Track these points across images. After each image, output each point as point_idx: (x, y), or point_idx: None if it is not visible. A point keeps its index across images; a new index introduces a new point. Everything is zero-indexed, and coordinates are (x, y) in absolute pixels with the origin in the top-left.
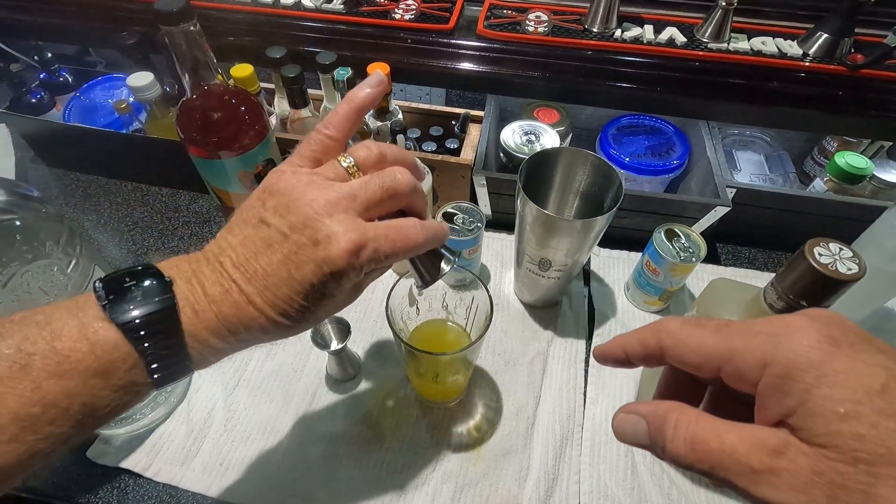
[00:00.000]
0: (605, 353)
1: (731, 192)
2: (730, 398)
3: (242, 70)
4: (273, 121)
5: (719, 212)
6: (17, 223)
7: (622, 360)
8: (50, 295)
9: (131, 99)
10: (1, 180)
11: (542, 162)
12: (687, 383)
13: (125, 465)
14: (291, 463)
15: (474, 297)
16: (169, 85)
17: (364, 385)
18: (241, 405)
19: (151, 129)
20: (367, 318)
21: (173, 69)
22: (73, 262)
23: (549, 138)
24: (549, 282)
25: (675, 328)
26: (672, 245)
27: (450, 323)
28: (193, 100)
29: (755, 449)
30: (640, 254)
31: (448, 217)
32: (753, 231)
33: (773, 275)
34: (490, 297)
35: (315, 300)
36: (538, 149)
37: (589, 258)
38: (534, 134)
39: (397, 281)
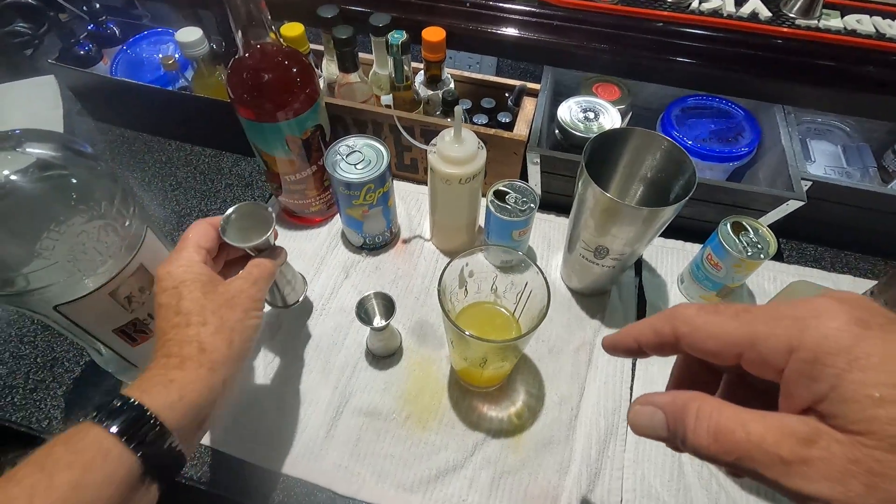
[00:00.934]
0: (616, 343)
1: (805, 185)
2: (747, 387)
3: (293, 29)
4: (321, 84)
5: (791, 206)
6: (73, 180)
7: (634, 349)
8: (104, 255)
9: (178, 55)
10: (55, 135)
11: (608, 142)
12: (701, 372)
13: None
14: (331, 435)
15: (527, 282)
16: (216, 42)
17: (404, 363)
18: (280, 375)
19: (198, 87)
20: (409, 294)
21: (222, 25)
22: (127, 224)
23: (610, 117)
24: (603, 269)
25: (691, 314)
26: (739, 239)
27: (498, 307)
28: (245, 59)
29: (784, 438)
30: (699, 245)
31: (500, 195)
32: (822, 229)
33: (843, 276)
34: (547, 282)
35: None
36: (597, 127)
37: None
38: (593, 111)
39: (451, 261)
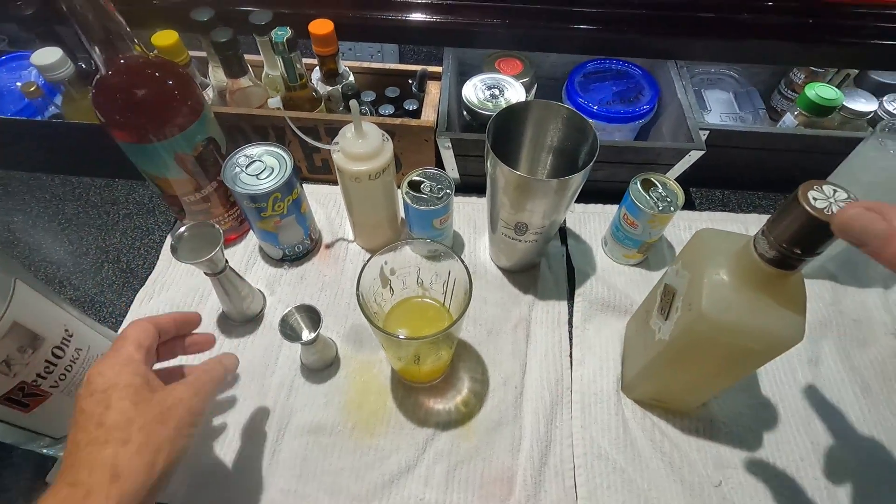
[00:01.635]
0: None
1: (703, 135)
2: None
3: (166, 38)
4: (210, 94)
5: (694, 156)
6: None
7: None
8: None
9: (41, 80)
10: None
11: (510, 118)
12: None
13: None
14: (275, 461)
15: (450, 270)
16: (84, 60)
17: (342, 371)
18: (213, 406)
19: (70, 113)
20: (339, 301)
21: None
22: None
23: (514, 91)
24: (527, 245)
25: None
26: (649, 196)
27: (427, 299)
28: (109, 77)
29: None
30: (616, 206)
31: (414, 185)
32: (726, 173)
33: (750, 216)
34: (467, 269)
35: None
36: (503, 103)
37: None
38: (497, 88)
39: (367, 262)
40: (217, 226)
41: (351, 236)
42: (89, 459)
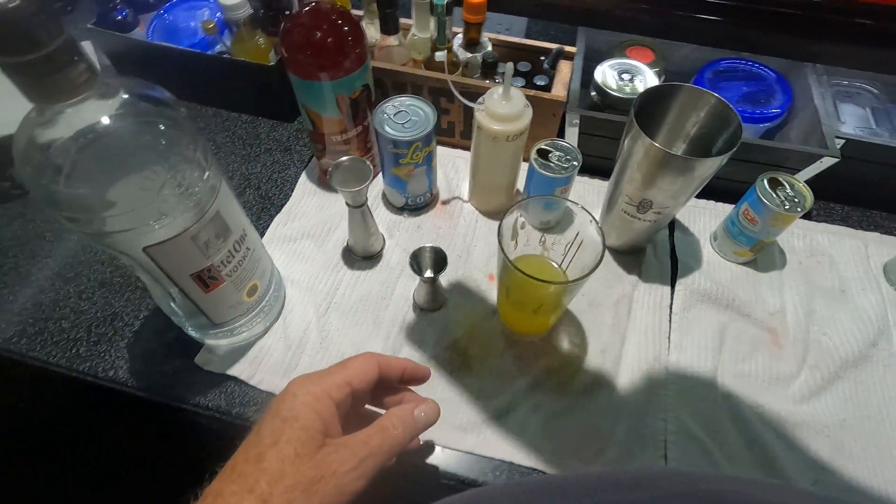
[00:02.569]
0: None
1: (838, 144)
2: None
3: None
4: None
5: (825, 163)
6: (162, 126)
7: None
8: (188, 200)
9: (219, 16)
10: (138, 82)
11: (656, 98)
12: None
13: (231, 372)
14: None
15: (578, 232)
16: (254, 7)
17: (451, 316)
18: (333, 326)
19: (237, 51)
20: (451, 253)
21: None
22: (206, 172)
23: (648, 78)
24: (643, 225)
25: None
26: (776, 194)
27: (546, 259)
28: (300, 16)
29: None
30: (730, 206)
31: (543, 153)
32: (851, 187)
33: (870, 234)
34: (601, 231)
35: None
36: (630, 89)
37: None
38: (630, 73)
39: (509, 211)
40: (369, 163)
41: (466, 196)
42: (234, 492)
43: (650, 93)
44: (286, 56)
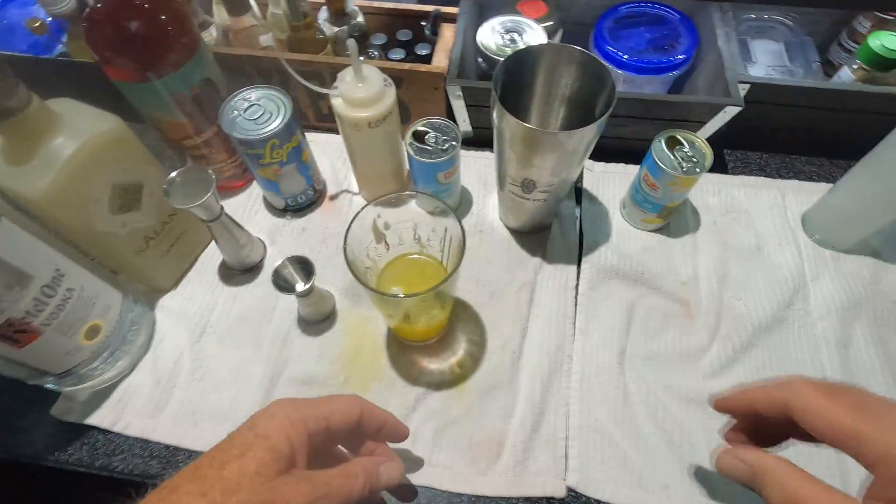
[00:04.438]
0: (728, 406)
1: (743, 89)
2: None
3: None
4: (213, 33)
5: (729, 113)
6: None
7: (747, 413)
8: None
9: (48, 19)
10: None
11: (521, 64)
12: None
13: (91, 421)
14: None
15: (447, 227)
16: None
17: (339, 325)
18: (208, 353)
19: (75, 51)
20: (341, 253)
21: None
22: None
23: (535, 36)
24: (535, 204)
25: (807, 393)
26: (673, 155)
27: (425, 257)
28: (99, 9)
29: None
30: (639, 167)
31: (418, 136)
32: (767, 133)
33: (789, 182)
34: (462, 227)
35: None
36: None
37: (581, 174)
38: (517, 31)
39: (356, 215)
40: (210, 171)
41: (356, 188)
42: (190, 491)
43: (512, 60)
44: (96, 59)
